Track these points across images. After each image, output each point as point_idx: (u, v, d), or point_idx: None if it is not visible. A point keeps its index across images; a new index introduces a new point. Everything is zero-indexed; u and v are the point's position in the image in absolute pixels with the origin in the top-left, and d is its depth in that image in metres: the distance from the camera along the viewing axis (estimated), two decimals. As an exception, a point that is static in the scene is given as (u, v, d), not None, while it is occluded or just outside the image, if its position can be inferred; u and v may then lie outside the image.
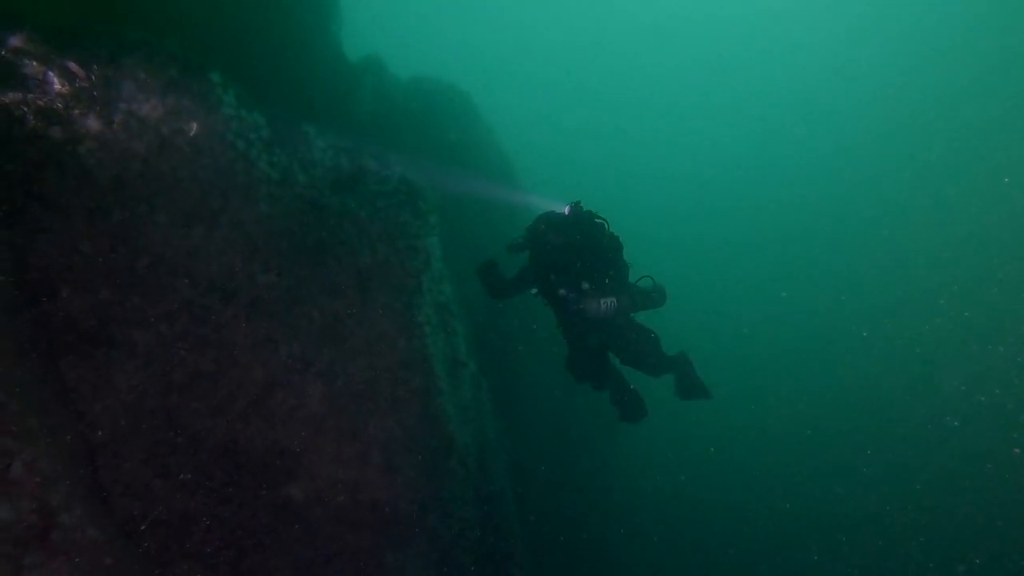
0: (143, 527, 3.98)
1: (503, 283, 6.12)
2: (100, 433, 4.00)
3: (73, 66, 4.33)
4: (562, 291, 5.67)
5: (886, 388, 24.29)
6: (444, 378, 5.97)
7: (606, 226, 5.80)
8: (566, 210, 5.71)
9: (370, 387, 5.27)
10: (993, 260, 30.15)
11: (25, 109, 4.17)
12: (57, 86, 4.31)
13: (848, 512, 18.53)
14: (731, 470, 19.38)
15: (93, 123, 4.28)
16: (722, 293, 36.50)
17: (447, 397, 5.94)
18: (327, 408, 4.99)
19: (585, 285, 5.64)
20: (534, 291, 5.95)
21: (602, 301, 5.51)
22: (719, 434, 20.72)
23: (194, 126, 4.70)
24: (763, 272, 38.35)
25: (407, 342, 5.52)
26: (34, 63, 4.29)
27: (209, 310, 4.54)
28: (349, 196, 5.52)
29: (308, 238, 5.14)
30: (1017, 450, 18.48)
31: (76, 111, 4.24)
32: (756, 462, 20.16)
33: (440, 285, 6.24)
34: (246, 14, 5.80)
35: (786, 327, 32.47)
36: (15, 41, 4.30)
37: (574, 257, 5.69)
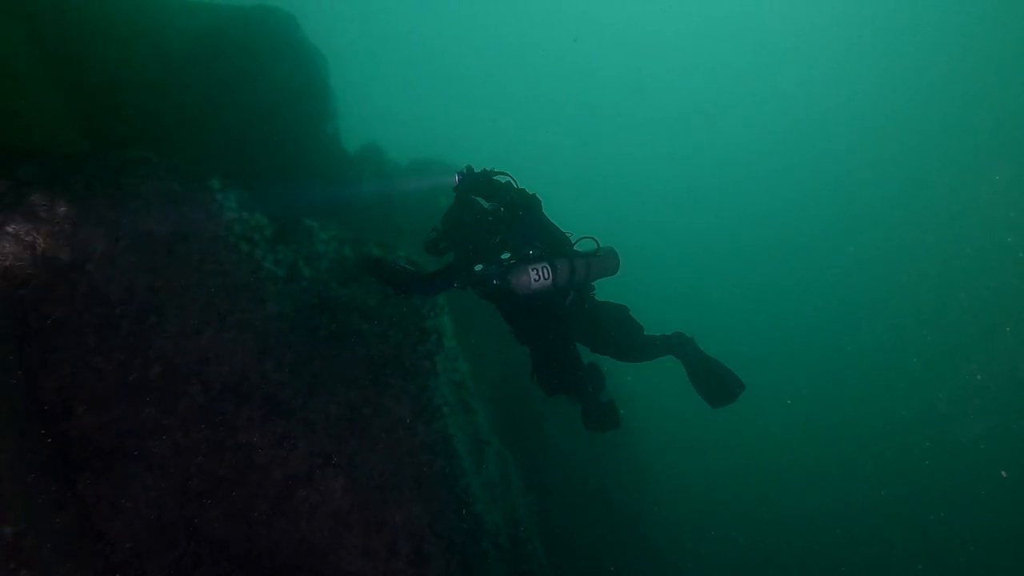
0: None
1: (412, 277, 4.91)
2: (120, 551, 3.94)
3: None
4: (479, 266, 4.64)
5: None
6: (467, 458, 5.87)
7: (513, 183, 4.81)
8: (456, 178, 4.82)
9: (393, 475, 5.19)
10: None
11: (35, 235, 4.28)
12: (64, 209, 4.44)
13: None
14: (770, 514, 18.88)
15: (100, 242, 4.37)
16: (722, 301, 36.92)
17: (472, 477, 5.83)
18: (351, 501, 4.90)
19: (505, 255, 4.66)
20: (456, 284, 4.85)
21: (531, 269, 4.41)
22: (759, 476, 20.36)
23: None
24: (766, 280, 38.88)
25: (426, 425, 5.45)
26: (41, 192, 4.43)
27: (224, 414, 4.53)
28: (356, 286, 5.56)
29: (319, 332, 5.15)
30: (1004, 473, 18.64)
31: (83, 233, 4.34)
32: (796, 504, 19.77)
33: (455, 363, 6.21)
34: (243, 122, 6.00)
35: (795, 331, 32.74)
36: (24, 172, 4.46)
37: (486, 229, 4.76)
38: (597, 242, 4.94)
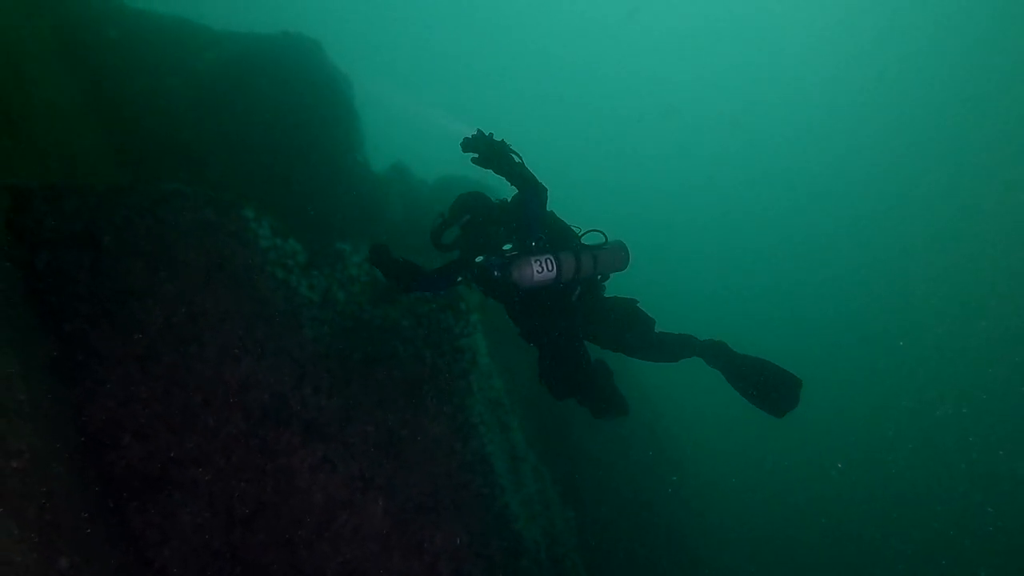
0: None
1: (417, 271, 4.43)
2: (169, 579, 4.00)
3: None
4: (479, 258, 4.37)
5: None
6: (505, 475, 5.86)
7: (524, 166, 4.41)
8: (476, 131, 4.37)
9: (432, 496, 5.20)
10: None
11: (79, 270, 4.38)
12: (106, 242, 4.54)
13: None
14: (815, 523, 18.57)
15: (140, 274, 4.46)
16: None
17: (511, 495, 5.82)
18: (391, 523, 4.92)
19: (507, 247, 4.37)
20: (459, 279, 4.51)
21: (534, 261, 4.15)
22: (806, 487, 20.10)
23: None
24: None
25: (463, 445, 5.46)
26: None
27: (264, 439, 4.58)
28: (390, 307, 5.60)
29: (354, 355, 5.20)
30: None
31: (125, 264, 4.44)
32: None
33: (490, 381, 6.21)
34: (273, 149, 6.09)
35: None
36: (69, 206, 4.58)
37: (491, 219, 4.51)
38: (605, 235, 4.68)
